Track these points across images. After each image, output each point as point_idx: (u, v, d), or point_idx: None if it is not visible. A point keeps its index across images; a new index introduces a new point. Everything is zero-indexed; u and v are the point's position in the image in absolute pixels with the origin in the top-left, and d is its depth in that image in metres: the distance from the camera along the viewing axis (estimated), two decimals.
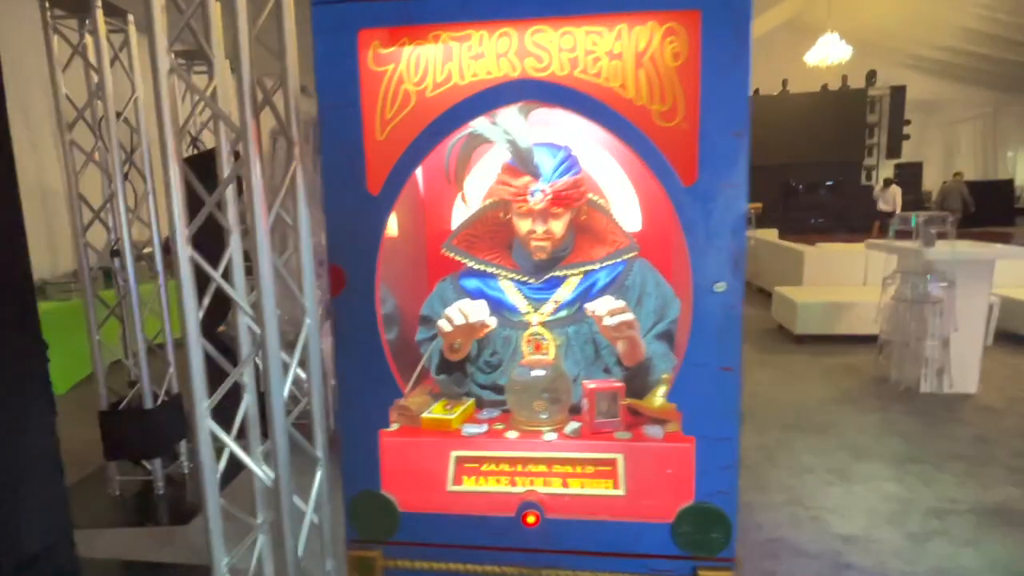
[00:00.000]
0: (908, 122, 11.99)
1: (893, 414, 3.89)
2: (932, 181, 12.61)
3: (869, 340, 5.00)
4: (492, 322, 1.33)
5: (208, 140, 3.62)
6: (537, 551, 1.17)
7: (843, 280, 5.64)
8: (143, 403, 2.88)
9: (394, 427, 1.33)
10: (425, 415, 1.33)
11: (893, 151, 12.15)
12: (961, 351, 3.94)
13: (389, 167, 1.11)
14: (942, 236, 3.89)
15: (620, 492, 1.17)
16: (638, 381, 1.32)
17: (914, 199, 10.53)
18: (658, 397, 1.26)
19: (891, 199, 11.15)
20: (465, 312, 1.31)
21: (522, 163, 1.28)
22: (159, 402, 2.93)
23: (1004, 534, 2.64)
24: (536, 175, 1.28)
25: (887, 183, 11.23)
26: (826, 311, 5.23)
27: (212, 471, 1.76)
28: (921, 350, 3.97)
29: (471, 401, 1.41)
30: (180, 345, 3.48)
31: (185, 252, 1.69)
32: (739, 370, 1.09)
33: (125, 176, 2.96)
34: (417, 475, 1.23)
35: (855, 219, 11.35)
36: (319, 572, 2.05)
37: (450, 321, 1.31)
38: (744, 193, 1.00)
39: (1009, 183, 12.40)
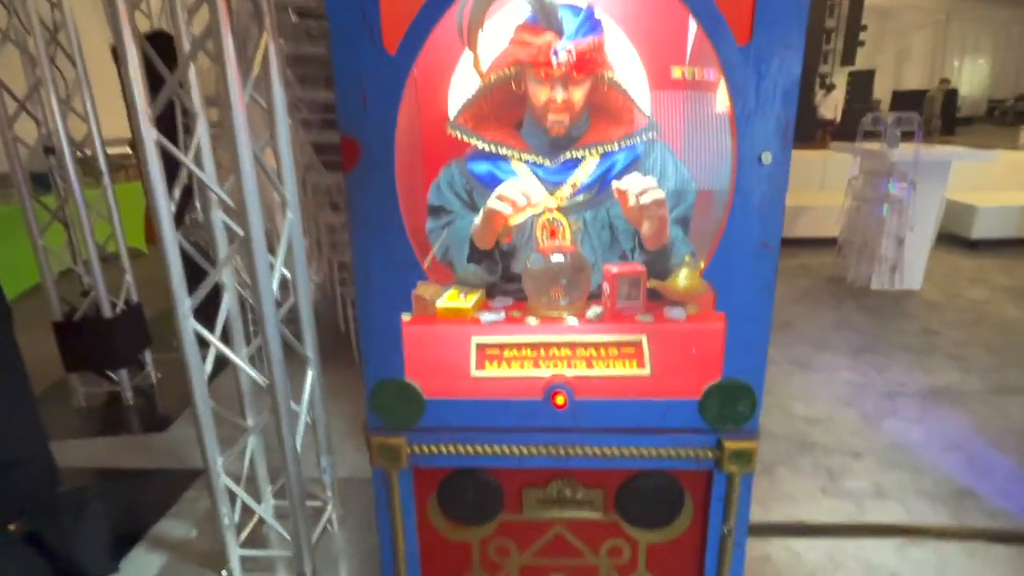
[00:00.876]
0: (865, 27, 11.94)
1: (847, 310, 4.11)
2: (883, 89, 12.79)
3: (824, 243, 5.20)
4: (543, 203, 1.26)
5: (141, 23, 3.21)
6: (563, 430, 1.18)
7: (802, 185, 5.75)
8: (100, 312, 2.71)
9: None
10: (440, 304, 1.27)
11: (848, 58, 12.15)
12: (912, 250, 4.14)
13: (408, 20, 0.97)
14: (908, 138, 3.97)
15: (646, 372, 1.17)
16: (659, 265, 1.29)
17: (863, 107, 10.68)
18: (681, 279, 1.24)
19: (832, 106, 11.21)
20: (527, 192, 1.23)
21: (545, 17, 1.16)
22: (118, 311, 2.76)
23: (946, 412, 2.89)
24: (560, 32, 1.16)
25: (829, 89, 11.23)
26: (785, 214, 5.36)
27: (199, 371, 1.68)
28: (877, 249, 4.15)
29: (482, 290, 1.36)
30: (135, 256, 3.24)
31: (151, 134, 1.51)
32: (777, 248, 1.07)
33: (51, 60, 2.61)
34: (439, 362, 1.19)
35: (808, 126, 11.47)
36: (310, 471, 2.06)
37: (513, 204, 1.22)
38: (800, 57, 0.94)
39: (954, 92, 12.70)
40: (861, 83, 12.04)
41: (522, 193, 1.23)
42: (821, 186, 5.82)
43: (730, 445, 1.15)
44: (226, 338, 1.82)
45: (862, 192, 4.19)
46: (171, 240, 1.57)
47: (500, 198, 1.24)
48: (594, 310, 1.26)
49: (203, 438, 1.73)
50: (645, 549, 1.30)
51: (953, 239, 5.47)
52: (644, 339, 1.20)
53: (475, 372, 1.19)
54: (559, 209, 1.34)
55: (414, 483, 1.23)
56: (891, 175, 3.94)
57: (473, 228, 1.31)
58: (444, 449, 1.18)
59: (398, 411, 1.16)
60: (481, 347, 1.21)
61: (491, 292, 1.38)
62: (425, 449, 1.18)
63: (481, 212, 1.29)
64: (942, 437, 2.71)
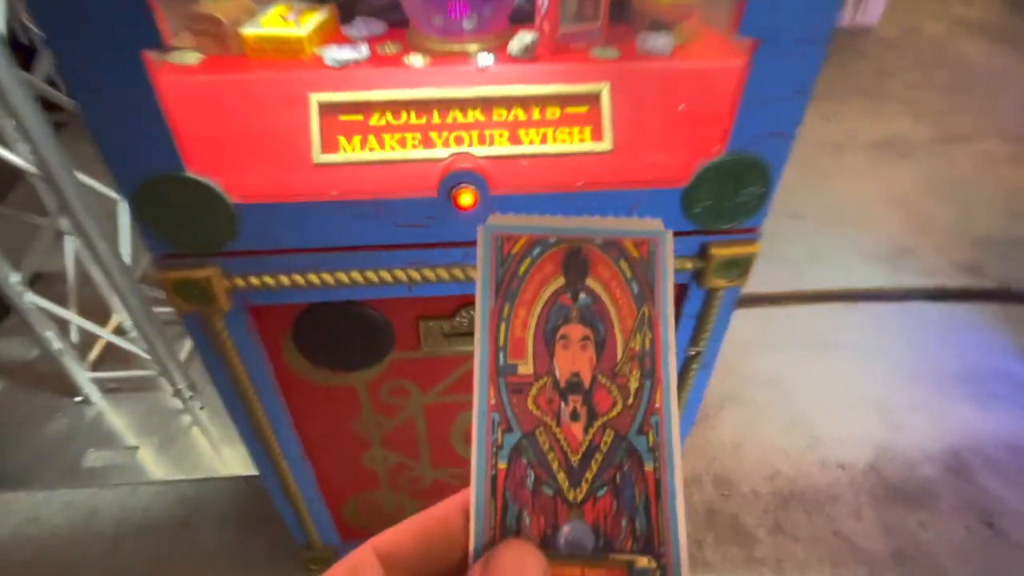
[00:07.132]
0: None
1: None
2: None
3: None
4: None
5: None
6: (471, 245, 0.76)
7: None
8: None
9: (190, 55, 0.72)
10: (249, 30, 0.71)
11: None
12: None
13: None
14: None
15: (605, 146, 0.73)
16: None
17: None
18: None
19: None
20: None
21: None
22: None
23: (894, 163, 2.70)
24: None
25: None
26: None
27: None
28: None
29: (329, 6, 0.79)
30: None
31: None
32: None
33: None
34: (252, 139, 0.69)
35: None
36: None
37: None
38: None
39: None
40: None
41: None
42: None
43: (719, 251, 0.78)
44: None
45: None
46: None
47: None
48: (521, 40, 0.74)
49: None
50: None
51: None
52: (605, 90, 0.72)
53: (320, 156, 0.70)
54: None
55: (251, 326, 0.82)
56: None
57: None
58: (285, 280, 0.74)
59: (191, 227, 0.68)
60: (328, 110, 0.70)
61: (345, 9, 0.82)
62: (255, 281, 0.74)
63: None
64: (889, 190, 2.53)
